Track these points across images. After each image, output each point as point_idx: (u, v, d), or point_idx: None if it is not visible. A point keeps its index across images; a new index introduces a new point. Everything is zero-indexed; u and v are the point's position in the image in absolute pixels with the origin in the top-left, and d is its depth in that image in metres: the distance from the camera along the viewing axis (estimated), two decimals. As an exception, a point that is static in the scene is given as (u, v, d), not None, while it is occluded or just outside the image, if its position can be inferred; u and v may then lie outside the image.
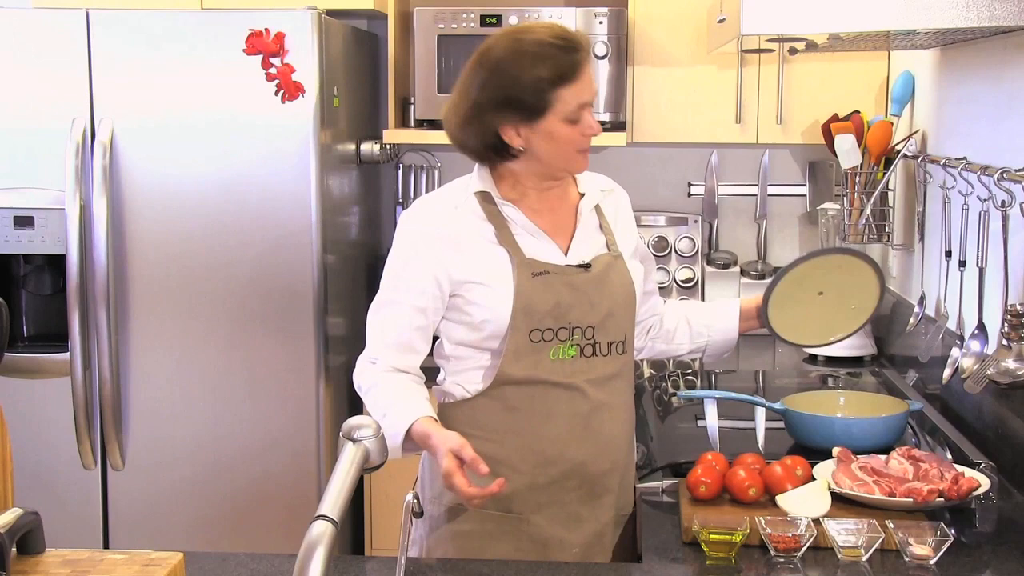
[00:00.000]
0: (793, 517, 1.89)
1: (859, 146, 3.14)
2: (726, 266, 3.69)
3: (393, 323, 2.09)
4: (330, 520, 1.39)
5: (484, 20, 3.41)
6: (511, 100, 1.97)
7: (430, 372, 2.17)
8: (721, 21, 2.60)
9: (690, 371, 3.28)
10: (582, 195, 2.15)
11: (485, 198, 2.08)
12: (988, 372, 2.10)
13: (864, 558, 1.82)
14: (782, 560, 1.83)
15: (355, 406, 3.36)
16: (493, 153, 2.05)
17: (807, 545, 1.83)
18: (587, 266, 2.08)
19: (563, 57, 1.97)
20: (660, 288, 3.61)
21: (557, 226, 2.11)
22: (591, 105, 2.03)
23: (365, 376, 2.12)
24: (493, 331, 2.04)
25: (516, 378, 2.05)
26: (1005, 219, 2.19)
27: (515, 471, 2.07)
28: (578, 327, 2.06)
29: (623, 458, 2.16)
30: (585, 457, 2.08)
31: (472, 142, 2.05)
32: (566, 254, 2.09)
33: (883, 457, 2.10)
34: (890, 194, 3.20)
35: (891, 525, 1.86)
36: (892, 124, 3.13)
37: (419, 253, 2.06)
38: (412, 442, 2.00)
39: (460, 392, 2.10)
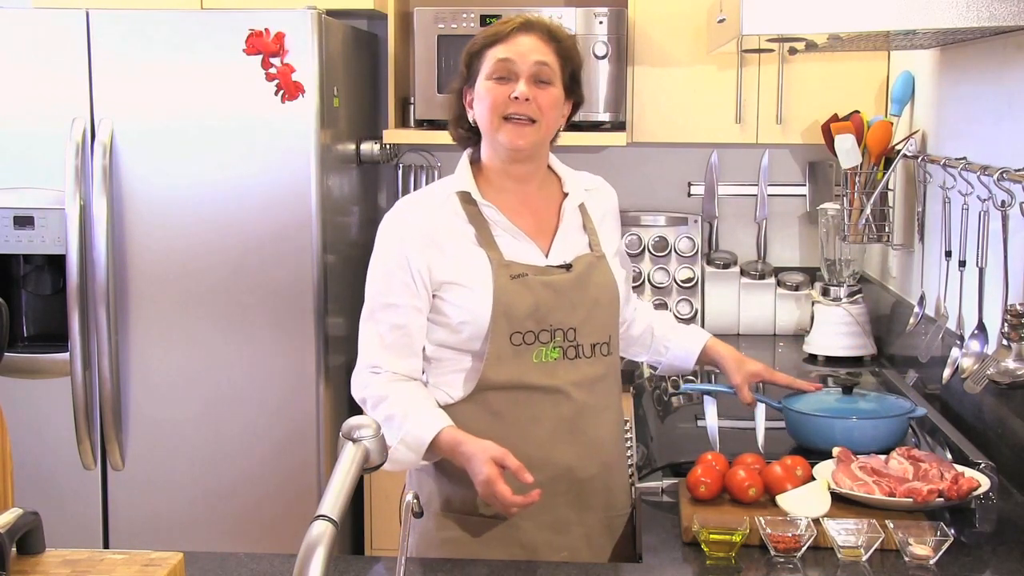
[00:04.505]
0: (793, 517, 1.89)
1: (859, 146, 3.14)
2: (726, 266, 3.69)
3: (393, 325, 2.08)
4: (330, 520, 1.39)
5: (484, 20, 3.41)
6: (462, 63, 2.11)
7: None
8: (721, 21, 2.60)
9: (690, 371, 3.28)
10: (566, 195, 2.15)
11: (466, 198, 2.09)
12: (988, 372, 2.10)
13: (864, 558, 1.82)
14: (782, 560, 1.83)
15: (355, 406, 3.33)
16: (464, 130, 2.14)
17: (807, 545, 1.83)
18: (568, 266, 2.09)
19: (499, 24, 2.09)
20: (659, 288, 3.64)
21: (539, 226, 2.11)
22: (532, 78, 2.04)
23: (370, 388, 2.09)
24: (472, 333, 2.04)
25: (499, 383, 2.04)
26: (1005, 219, 2.19)
27: (504, 476, 2.06)
28: (559, 329, 2.06)
29: (611, 461, 2.15)
30: (572, 461, 2.08)
31: (450, 117, 2.16)
32: (547, 255, 2.09)
33: (883, 457, 2.10)
34: (890, 194, 3.20)
35: (891, 525, 1.86)
36: (892, 124, 3.13)
37: (406, 252, 2.06)
38: (432, 452, 2.00)
39: (443, 398, 2.09)
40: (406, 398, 2.05)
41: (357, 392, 2.13)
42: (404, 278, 2.06)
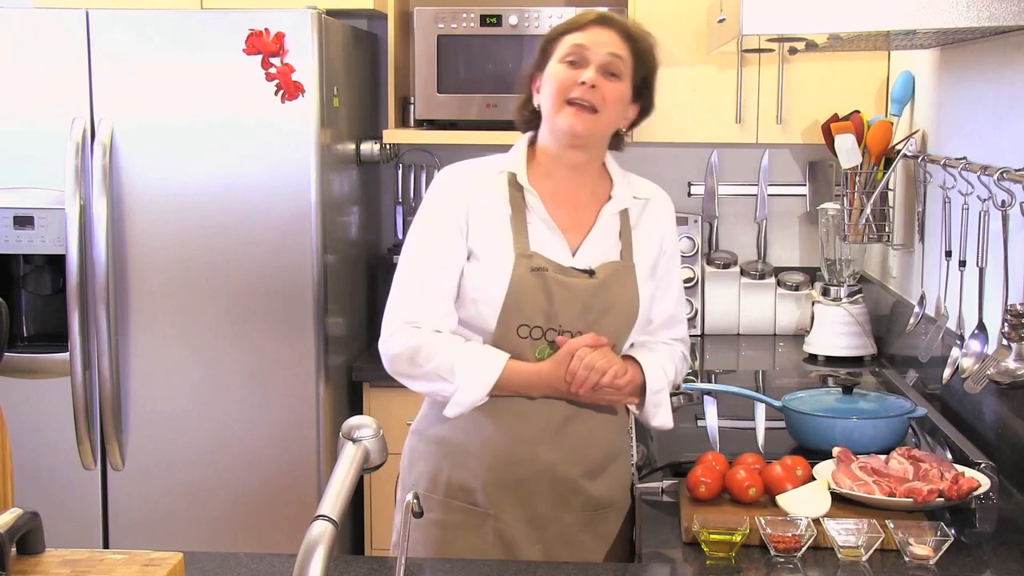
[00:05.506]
0: (793, 517, 1.89)
1: (859, 146, 3.14)
2: (726, 266, 3.69)
3: (434, 274, 2.07)
4: (330, 520, 1.39)
5: (484, 20, 3.41)
6: (538, 50, 2.13)
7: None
8: (721, 21, 2.60)
9: (690, 371, 3.28)
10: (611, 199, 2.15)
11: (513, 180, 2.10)
12: (988, 372, 2.10)
13: (864, 558, 1.81)
14: (782, 560, 1.83)
15: (355, 406, 3.36)
16: (528, 112, 2.16)
17: (807, 545, 1.83)
18: (591, 272, 2.08)
19: (580, 15, 2.11)
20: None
21: (575, 223, 2.11)
22: (602, 68, 2.05)
23: (414, 341, 2.05)
24: (481, 311, 2.05)
25: None
26: (1005, 219, 2.19)
27: (484, 466, 2.08)
28: (568, 331, 2.06)
29: (599, 465, 2.14)
30: (555, 461, 2.09)
31: (519, 101, 2.19)
32: (574, 254, 2.09)
33: (883, 457, 2.10)
34: (890, 194, 3.20)
35: (891, 525, 1.86)
36: (892, 124, 3.13)
37: (453, 207, 2.08)
38: (498, 387, 2.02)
39: None
40: (459, 343, 2.06)
41: (396, 346, 2.07)
42: (450, 229, 2.07)
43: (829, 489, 1.99)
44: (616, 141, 2.19)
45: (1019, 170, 2.17)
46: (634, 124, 2.20)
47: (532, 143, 2.17)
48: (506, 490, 2.09)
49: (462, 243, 2.07)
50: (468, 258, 2.07)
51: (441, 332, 2.07)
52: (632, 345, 2.18)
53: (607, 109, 2.06)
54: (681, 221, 3.72)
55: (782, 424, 2.42)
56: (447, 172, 2.16)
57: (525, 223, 2.07)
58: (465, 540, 2.09)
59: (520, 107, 2.19)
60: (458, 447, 2.10)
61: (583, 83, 2.03)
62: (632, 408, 2.17)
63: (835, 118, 3.28)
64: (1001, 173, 2.18)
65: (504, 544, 2.09)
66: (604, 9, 2.16)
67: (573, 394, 2.05)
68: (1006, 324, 2.09)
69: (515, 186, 2.10)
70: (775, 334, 3.66)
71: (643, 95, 2.15)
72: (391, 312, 2.10)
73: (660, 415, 2.14)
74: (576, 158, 2.12)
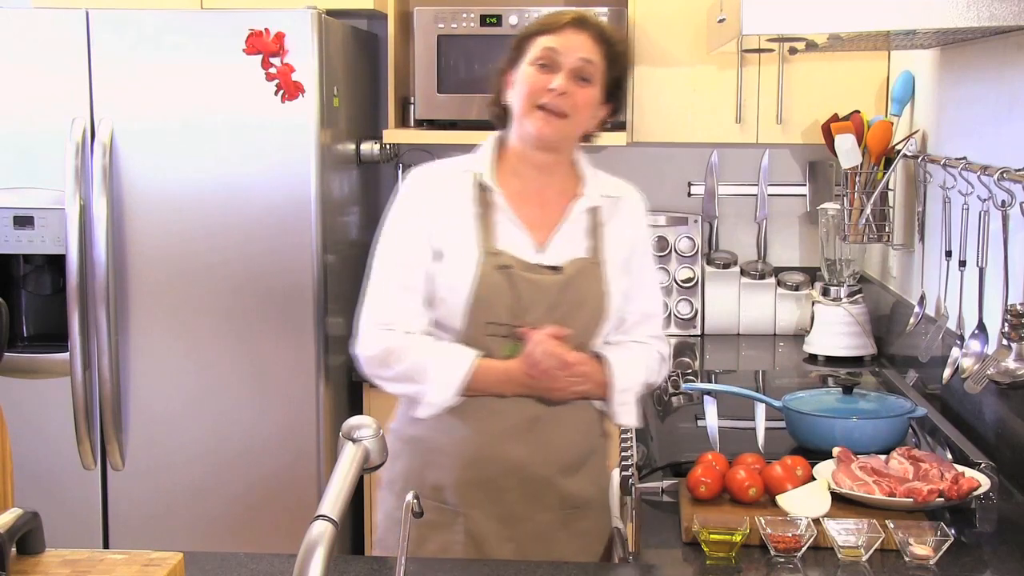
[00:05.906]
0: (793, 517, 1.89)
1: (859, 146, 3.14)
2: (726, 266, 3.69)
3: (404, 275, 2.09)
4: (330, 520, 1.39)
5: (484, 20, 3.41)
6: (512, 46, 2.12)
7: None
8: (721, 21, 2.60)
9: (690, 371, 3.28)
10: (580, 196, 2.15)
11: (480, 179, 2.11)
12: (988, 372, 2.10)
13: (864, 558, 1.81)
14: (782, 560, 1.83)
15: (355, 406, 3.36)
16: (500, 109, 2.15)
17: (807, 545, 1.83)
18: (557, 268, 2.08)
19: (554, 15, 2.11)
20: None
21: (543, 220, 2.12)
22: (573, 73, 2.05)
23: (387, 343, 2.08)
24: (448, 311, 2.06)
25: None
26: (1005, 219, 2.19)
27: (456, 465, 2.09)
28: (537, 328, 2.05)
29: (574, 463, 2.14)
30: (525, 459, 2.09)
31: (490, 97, 2.18)
32: (543, 250, 2.09)
33: (883, 457, 2.10)
34: (890, 194, 3.20)
35: (891, 525, 1.86)
36: (892, 124, 3.13)
37: (417, 212, 2.10)
38: (468, 386, 2.03)
39: None
40: (429, 344, 2.08)
41: (369, 348, 2.10)
42: (416, 230, 2.09)
43: (829, 489, 1.99)
44: (584, 136, 2.20)
45: (1019, 170, 2.17)
46: (604, 123, 2.20)
47: (503, 141, 2.18)
48: (476, 488, 2.09)
49: (428, 244, 2.08)
50: (436, 258, 2.08)
51: (413, 333, 2.08)
52: (607, 344, 2.18)
53: (577, 114, 2.08)
54: (681, 221, 3.72)
55: (782, 424, 2.42)
56: (413, 174, 2.17)
57: (491, 221, 2.08)
58: (436, 538, 2.10)
59: (491, 103, 2.20)
60: (431, 446, 2.11)
61: (552, 90, 2.04)
62: (598, 404, 2.17)
63: (835, 118, 3.28)
64: (1001, 173, 2.18)
65: (475, 542, 2.10)
66: (578, 10, 2.15)
67: (541, 389, 2.05)
68: (1006, 324, 2.08)
69: (481, 185, 2.11)
70: (775, 334, 3.66)
71: (614, 96, 2.16)
72: (364, 315, 2.13)
73: (624, 413, 2.15)
74: (544, 158, 2.13)
